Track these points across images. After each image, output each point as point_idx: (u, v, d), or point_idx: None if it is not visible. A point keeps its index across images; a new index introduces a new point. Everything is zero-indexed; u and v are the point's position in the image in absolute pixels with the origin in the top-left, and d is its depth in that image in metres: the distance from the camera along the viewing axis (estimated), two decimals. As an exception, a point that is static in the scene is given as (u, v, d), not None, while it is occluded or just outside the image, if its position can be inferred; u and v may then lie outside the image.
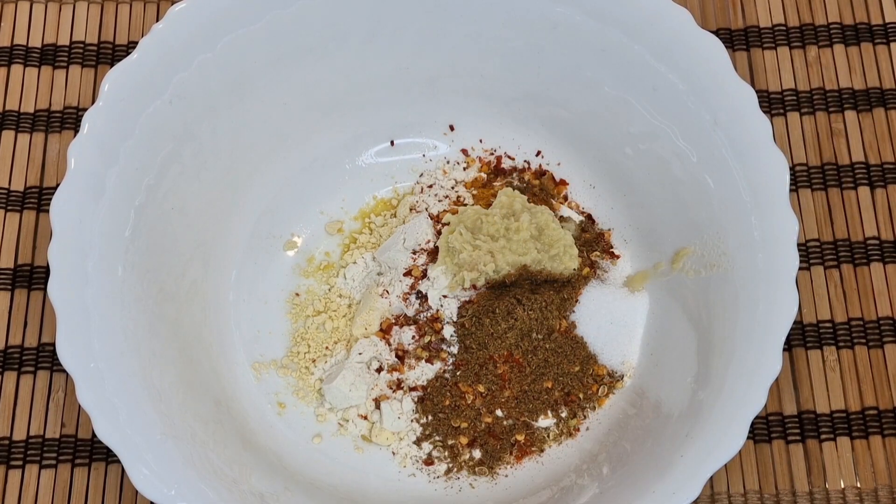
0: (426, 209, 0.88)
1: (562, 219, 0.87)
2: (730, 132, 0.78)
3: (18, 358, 0.85)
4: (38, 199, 0.89)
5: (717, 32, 0.93)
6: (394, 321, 0.85)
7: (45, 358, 0.85)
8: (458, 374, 0.83)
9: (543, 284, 0.84)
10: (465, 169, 0.90)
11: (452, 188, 0.89)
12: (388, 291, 0.86)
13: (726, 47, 0.92)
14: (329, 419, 0.84)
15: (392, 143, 0.91)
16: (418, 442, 0.83)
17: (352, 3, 0.82)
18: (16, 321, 0.86)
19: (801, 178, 0.90)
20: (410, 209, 0.89)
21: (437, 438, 0.83)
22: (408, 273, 0.86)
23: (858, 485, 0.82)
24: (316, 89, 0.86)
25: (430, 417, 0.83)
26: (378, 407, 0.84)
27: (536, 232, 0.82)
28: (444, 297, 0.85)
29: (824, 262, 0.88)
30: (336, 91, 0.87)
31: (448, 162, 0.91)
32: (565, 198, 0.89)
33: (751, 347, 0.74)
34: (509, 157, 0.90)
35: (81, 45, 0.94)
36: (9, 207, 0.89)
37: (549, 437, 0.83)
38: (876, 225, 0.89)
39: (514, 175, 0.90)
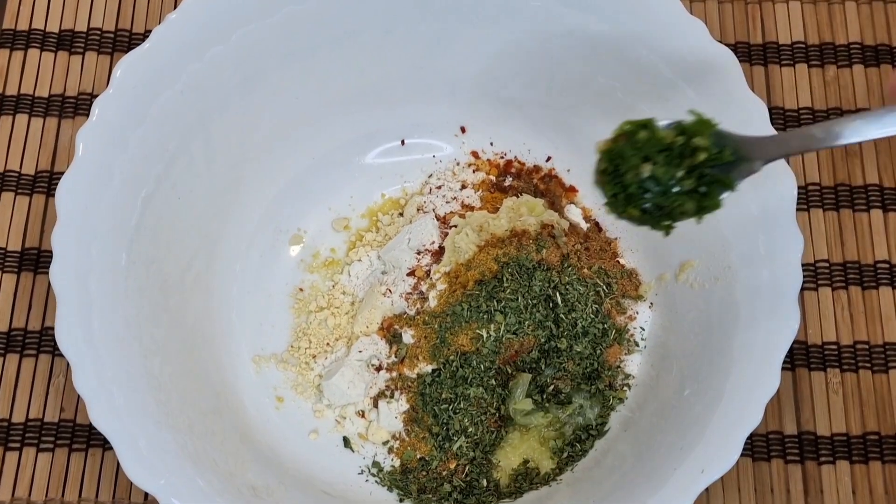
0: (433, 210, 0.88)
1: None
2: (740, 146, 0.77)
3: (21, 341, 0.86)
4: (48, 183, 0.89)
5: (735, 46, 0.93)
6: (395, 320, 0.85)
7: (47, 342, 0.86)
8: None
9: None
10: (474, 171, 0.90)
11: (461, 190, 0.89)
12: (390, 290, 0.86)
13: (744, 62, 0.92)
14: (326, 415, 0.84)
15: (403, 142, 0.91)
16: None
17: (365, 1, 0.82)
18: (20, 304, 0.87)
19: (814, 198, 0.89)
20: (418, 209, 0.89)
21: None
22: (411, 273, 0.86)
23: (856, 509, 0.82)
24: (328, 85, 0.86)
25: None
26: (376, 405, 0.84)
27: None
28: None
29: (832, 284, 0.87)
30: (348, 88, 0.87)
31: (458, 163, 0.90)
32: (572, 197, 0.89)
33: (750, 363, 0.73)
34: (519, 161, 0.90)
35: (98, 32, 0.94)
36: (19, 190, 0.89)
37: (546, 445, 0.83)
38: (887, 248, 0.88)
39: (523, 178, 0.89)
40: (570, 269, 0.84)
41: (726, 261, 0.78)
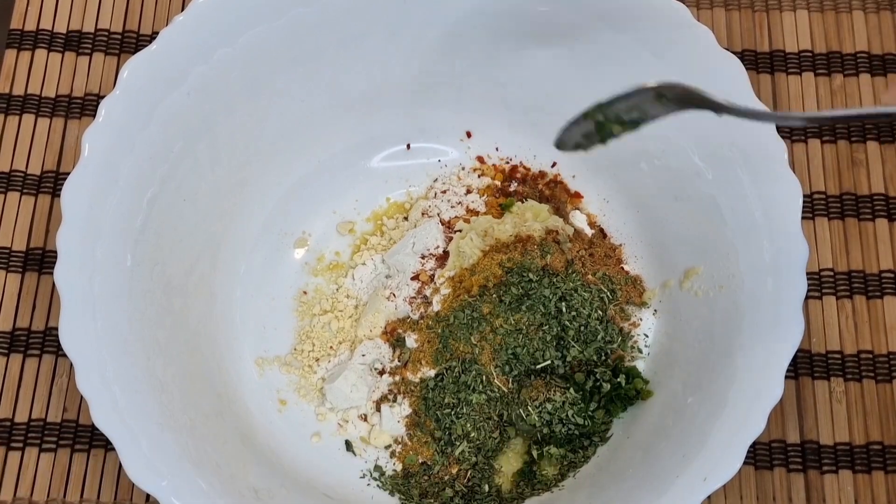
0: (438, 214, 0.88)
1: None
2: (746, 153, 0.77)
3: (25, 341, 0.86)
4: (53, 183, 0.89)
5: (742, 53, 0.93)
6: (398, 325, 0.85)
7: (50, 342, 0.86)
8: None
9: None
10: (479, 176, 0.90)
11: (466, 194, 0.89)
12: (394, 294, 0.85)
13: (751, 69, 0.92)
14: (329, 419, 0.84)
15: (408, 146, 0.91)
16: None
17: (372, 5, 0.82)
18: (24, 304, 0.87)
19: (819, 207, 0.89)
20: (423, 214, 0.88)
21: (435, 445, 0.83)
22: (415, 277, 0.86)
23: (858, 518, 0.82)
24: (335, 89, 0.86)
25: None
26: (378, 409, 0.84)
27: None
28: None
29: (837, 293, 0.87)
30: (355, 92, 0.87)
31: (463, 168, 0.90)
32: (577, 203, 0.89)
33: (753, 371, 0.73)
34: (524, 166, 0.90)
35: (105, 33, 0.94)
36: (24, 190, 0.89)
37: (548, 451, 0.83)
38: (892, 258, 0.88)
39: (528, 184, 0.89)
40: (574, 274, 0.84)
41: (731, 269, 0.78)
